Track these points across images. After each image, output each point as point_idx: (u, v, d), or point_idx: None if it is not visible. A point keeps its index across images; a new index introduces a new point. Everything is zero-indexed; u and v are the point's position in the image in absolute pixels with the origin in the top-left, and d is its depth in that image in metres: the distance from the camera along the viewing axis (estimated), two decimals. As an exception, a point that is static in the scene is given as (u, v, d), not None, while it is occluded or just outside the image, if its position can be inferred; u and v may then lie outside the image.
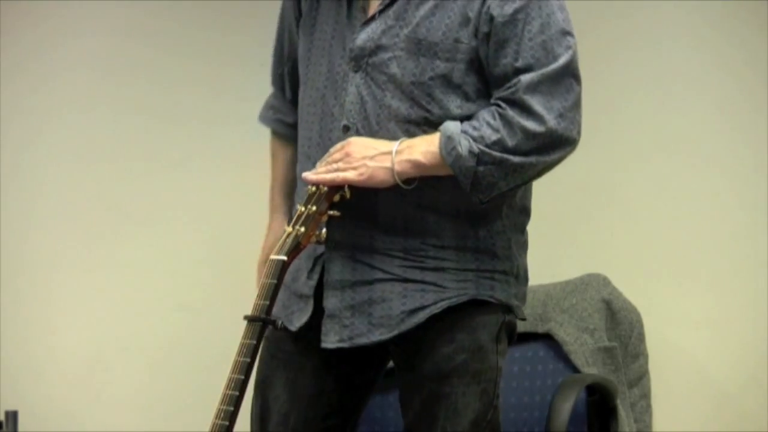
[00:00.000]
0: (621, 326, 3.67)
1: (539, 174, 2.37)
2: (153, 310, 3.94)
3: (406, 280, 2.38)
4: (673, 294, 3.76)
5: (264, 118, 2.68)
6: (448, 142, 2.31)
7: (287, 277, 2.35)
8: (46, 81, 3.85)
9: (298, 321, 2.44)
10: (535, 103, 2.30)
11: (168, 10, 3.99)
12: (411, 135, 2.36)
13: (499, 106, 2.33)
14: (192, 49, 4.01)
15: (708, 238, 3.74)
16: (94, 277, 3.88)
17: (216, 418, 2.21)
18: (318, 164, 2.39)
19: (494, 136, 2.30)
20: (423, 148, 2.32)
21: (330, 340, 2.41)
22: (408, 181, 2.34)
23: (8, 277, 3.77)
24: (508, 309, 2.46)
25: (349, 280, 2.40)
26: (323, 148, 2.41)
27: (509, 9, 2.32)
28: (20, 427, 3.29)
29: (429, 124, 2.36)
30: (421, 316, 2.38)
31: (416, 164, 2.32)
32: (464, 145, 2.30)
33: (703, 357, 3.73)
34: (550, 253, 3.90)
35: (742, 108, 3.72)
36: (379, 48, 2.37)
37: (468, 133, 2.31)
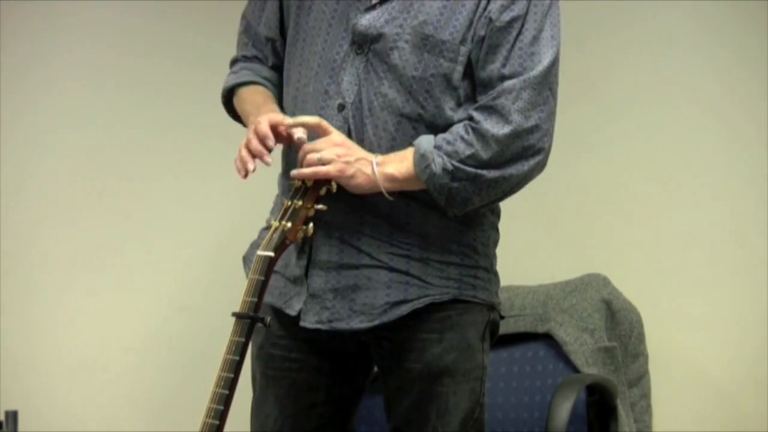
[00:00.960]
0: (621, 326, 3.67)
1: (512, 190, 2.39)
2: (153, 310, 3.95)
3: (392, 270, 2.39)
4: (673, 294, 3.76)
5: (245, 76, 2.60)
6: (421, 159, 2.32)
7: (280, 262, 2.36)
8: (49, 85, 3.85)
9: (297, 304, 2.44)
10: (514, 110, 2.33)
11: (166, 18, 4.00)
12: (402, 129, 2.37)
13: (472, 119, 2.35)
14: (190, 55, 4.01)
15: (707, 238, 3.74)
16: (95, 277, 3.88)
17: (206, 416, 2.21)
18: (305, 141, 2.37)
19: (468, 151, 2.32)
20: (397, 163, 2.34)
21: (309, 320, 2.41)
22: (388, 194, 2.36)
23: (9, 277, 3.77)
24: (491, 307, 2.48)
25: (335, 262, 2.40)
26: None
27: (507, 16, 2.36)
28: (20, 427, 3.29)
29: (421, 121, 2.37)
30: (404, 309, 2.39)
31: (389, 177, 2.34)
32: (438, 163, 2.32)
33: (703, 357, 3.72)
34: (550, 253, 3.91)
35: (740, 109, 3.72)
36: (381, 36, 2.38)
37: (442, 148, 2.33)
